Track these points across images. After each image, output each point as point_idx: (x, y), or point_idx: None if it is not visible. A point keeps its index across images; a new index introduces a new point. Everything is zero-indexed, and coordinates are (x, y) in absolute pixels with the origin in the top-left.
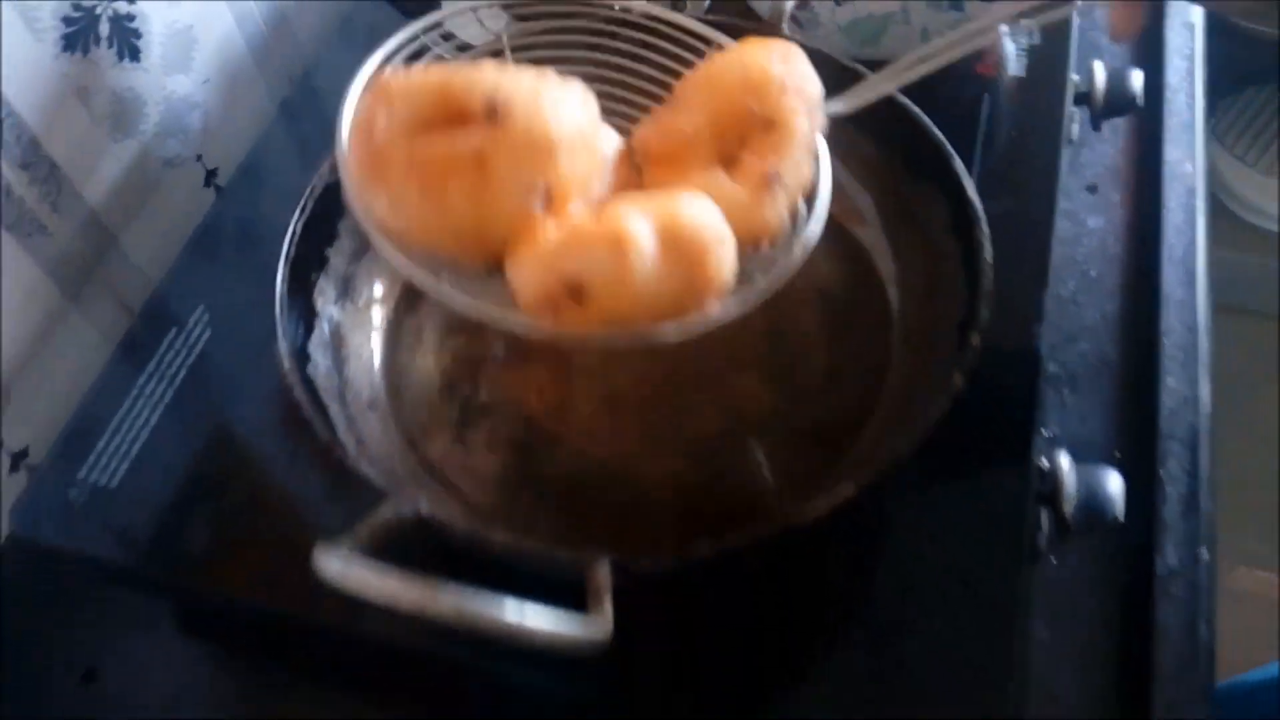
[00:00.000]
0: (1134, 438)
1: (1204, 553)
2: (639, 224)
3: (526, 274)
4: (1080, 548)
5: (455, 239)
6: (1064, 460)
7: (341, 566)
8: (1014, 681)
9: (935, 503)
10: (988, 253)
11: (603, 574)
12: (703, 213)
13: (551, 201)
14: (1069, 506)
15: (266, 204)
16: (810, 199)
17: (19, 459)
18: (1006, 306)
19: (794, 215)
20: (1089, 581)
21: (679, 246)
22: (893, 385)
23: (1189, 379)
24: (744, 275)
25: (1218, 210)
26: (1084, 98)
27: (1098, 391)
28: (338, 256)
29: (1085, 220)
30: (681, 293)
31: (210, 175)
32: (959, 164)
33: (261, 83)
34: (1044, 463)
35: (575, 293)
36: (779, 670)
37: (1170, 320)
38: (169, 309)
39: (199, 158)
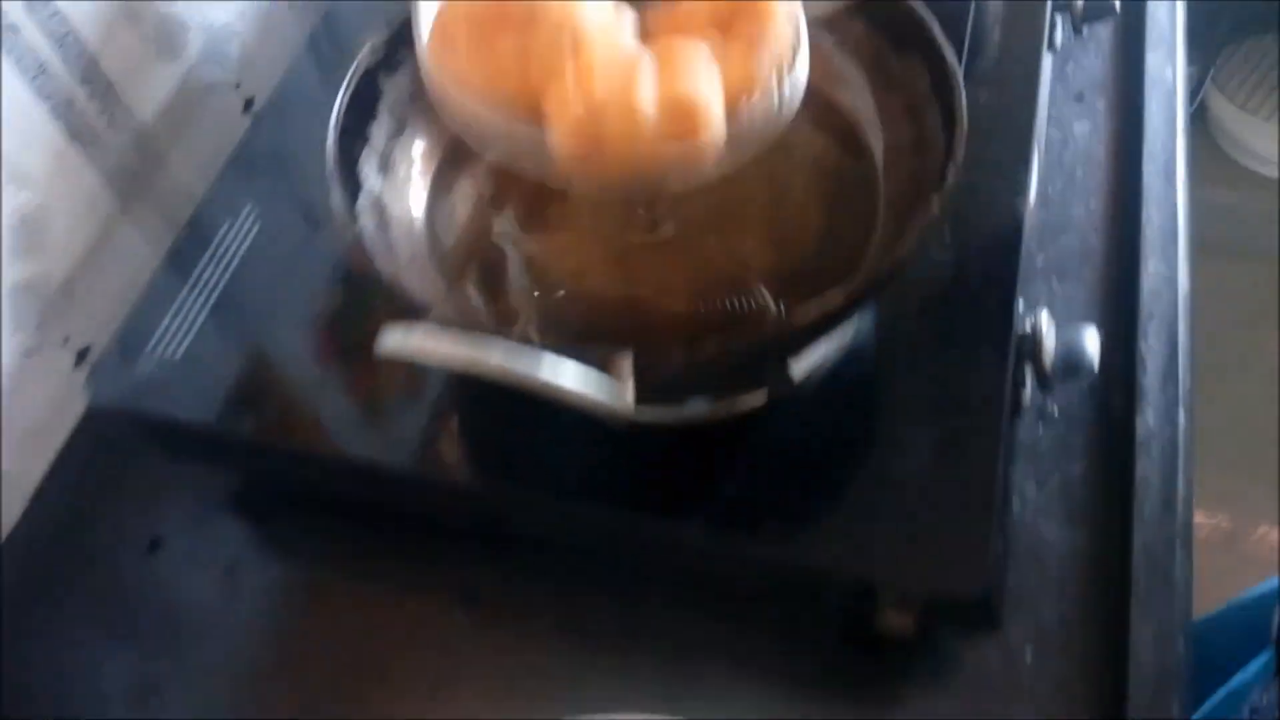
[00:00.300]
0: (1118, 317)
1: (1182, 417)
2: (646, 75)
3: (557, 106)
4: (1065, 416)
5: (504, 89)
6: (1044, 317)
7: (401, 336)
8: (999, 520)
9: (924, 362)
10: (962, 104)
11: (625, 364)
12: (696, 75)
13: (579, 52)
14: (1048, 360)
15: (299, 129)
16: (793, 61)
17: (82, 355)
18: (992, 185)
19: (779, 76)
20: (1073, 447)
21: (676, 106)
22: (880, 243)
23: (1169, 262)
24: (737, 136)
25: (1220, 158)
26: (1065, 5)
27: (1083, 279)
28: (379, 134)
29: (1072, 126)
30: (681, 151)
31: (248, 104)
32: (938, 33)
33: (291, 16)
34: (1026, 326)
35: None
36: (776, 512)
37: (1150, 211)
38: (216, 211)
39: (237, 85)
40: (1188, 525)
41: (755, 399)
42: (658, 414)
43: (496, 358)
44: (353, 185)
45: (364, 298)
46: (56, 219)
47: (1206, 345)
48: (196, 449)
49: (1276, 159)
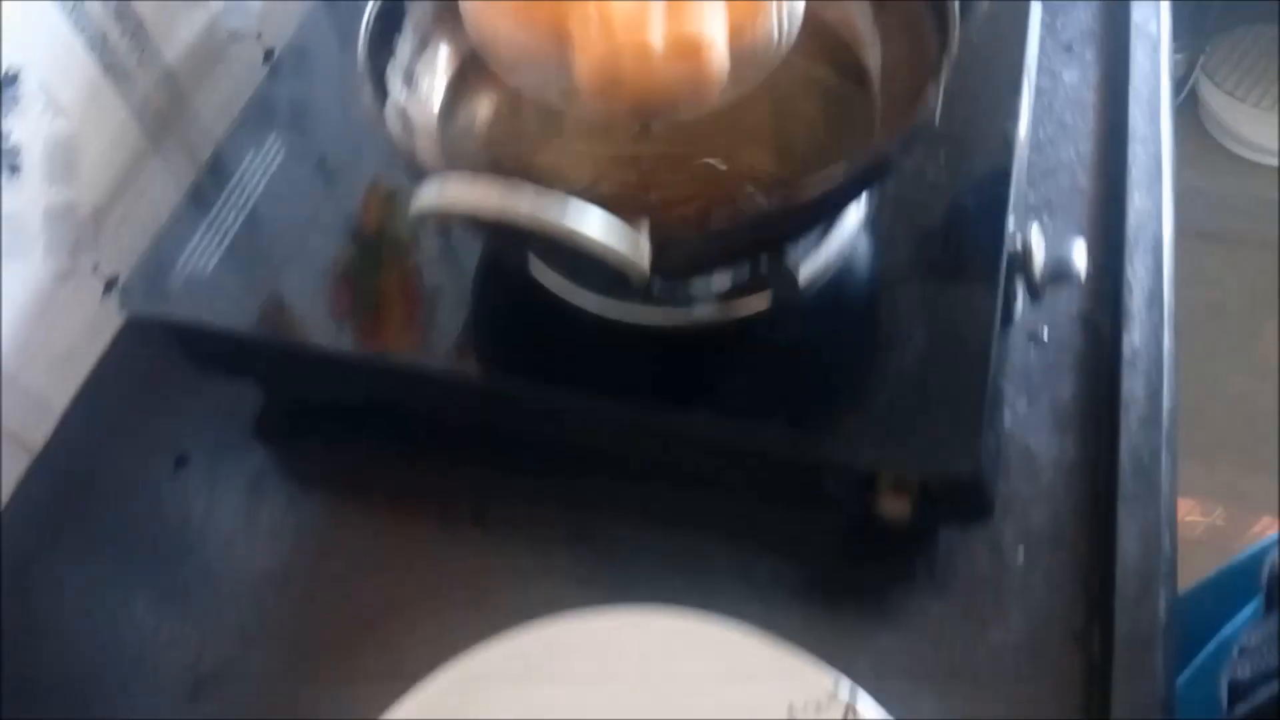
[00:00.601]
0: (1105, 247)
1: (1166, 337)
2: (657, 16)
3: (581, 44)
4: (1055, 341)
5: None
6: (1034, 231)
7: (436, 189)
8: (990, 408)
9: (920, 273)
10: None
11: (643, 226)
12: (702, 13)
13: None
14: (1038, 269)
15: (318, 71)
16: None
17: (110, 285)
18: (985, 114)
19: (779, 7)
20: (1063, 368)
21: (685, 44)
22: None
23: (1153, 196)
24: (740, 66)
25: (1211, 145)
26: None
27: (1072, 215)
28: (404, 49)
29: (1061, 75)
30: (690, 84)
31: (268, 54)
32: None
33: None
34: (1017, 244)
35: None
36: (781, 404)
37: (1135, 149)
38: (244, 138)
39: (259, 35)
40: (1172, 435)
41: (759, 302)
42: (666, 317)
43: (526, 204)
44: (380, 92)
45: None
46: (88, 149)
47: (1199, 332)
48: (224, 357)
49: (1267, 146)
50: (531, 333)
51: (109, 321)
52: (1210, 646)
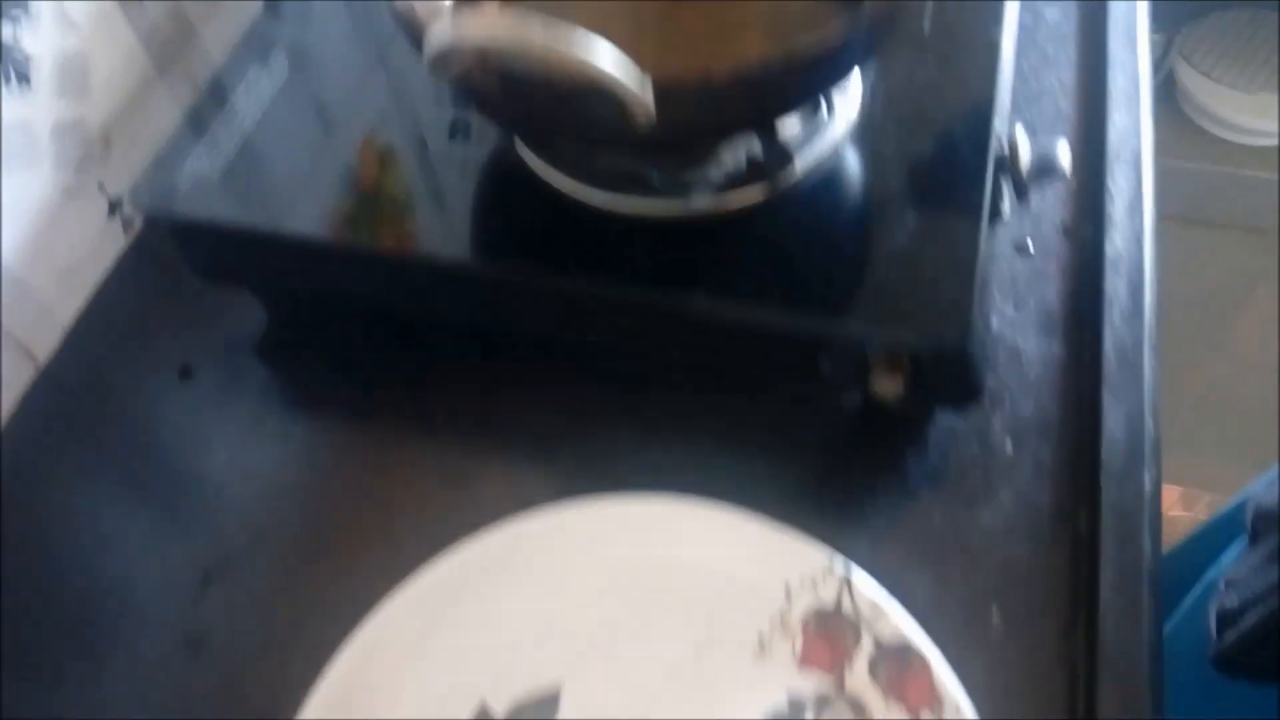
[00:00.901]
0: (1087, 164)
1: (1147, 240)
2: None
3: None
4: (1041, 252)
5: None
6: (1019, 130)
7: (449, 25)
8: (980, 285)
9: (910, 169)
10: None
11: (647, 81)
12: None
13: None
14: (1024, 165)
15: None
16: None
17: (115, 206)
18: (971, 23)
19: None
20: (1048, 275)
21: None
22: None
23: (1132, 114)
24: None
25: (1189, 127)
26: None
27: (1055, 135)
28: None
29: (1044, 13)
30: None
31: None
32: None
33: None
34: (1004, 147)
35: None
36: (776, 284)
37: (1115, 74)
38: (250, 54)
39: None
40: (1155, 330)
41: (754, 194)
42: (665, 208)
43: (539, 34)
44: None
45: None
46: (98, 68)
47: (1174, 318)
48: (227, 264)
49: (1246, 126)
50: (535, 227)
51: (114, 242)
52: (1196, 591)
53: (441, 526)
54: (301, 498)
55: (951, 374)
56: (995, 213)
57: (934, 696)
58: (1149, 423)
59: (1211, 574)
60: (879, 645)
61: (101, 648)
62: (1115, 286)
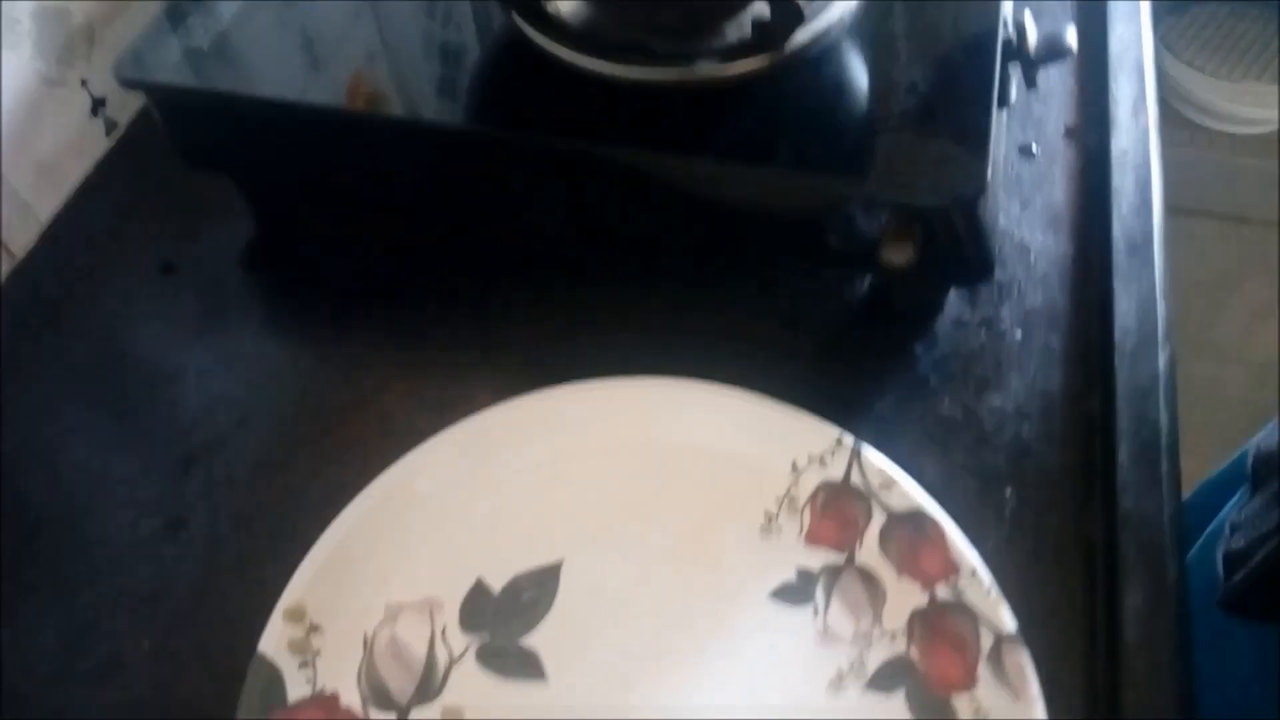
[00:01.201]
0: (1091, 72)
1: (1152, 139)
2: None
3: None
4: (1047, 155)
5: None
6: (1027, 15)
7: None
8: (991, 144)
9: (918, 37)
10: None
11: None
12: None
13: None
14: (1032, 45)
15: None
16: None
17: (98, 105)
18: None
19: None
20: (1053, 177)
21: None
22: None
23: (1133, 28)
24: None
25: (1170, 115)
26: None
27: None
28: None
29: None
30: None
31: None
32: None
33: None
34: (1011, 31)
35: None
36: (782, 146)
37: None
38: None
39: None
40: (1164, 225)
41: (758, 61)
42: (669, 74)
43: None
44: None
45: None
46: None
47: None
48: (215, 142)
49: (1229, 114)
50: (537, 97)
51: (96, 143)
52: (1201, 539)
53: (434, 414)
54: (287, 383)
55: (963, 243)
56: (1004, 99)
57: (949, 564)
58: (1161, 306)
59: (1214, 525)
60: (890, 515)
61: (84, 529)
62: (1122, 181)
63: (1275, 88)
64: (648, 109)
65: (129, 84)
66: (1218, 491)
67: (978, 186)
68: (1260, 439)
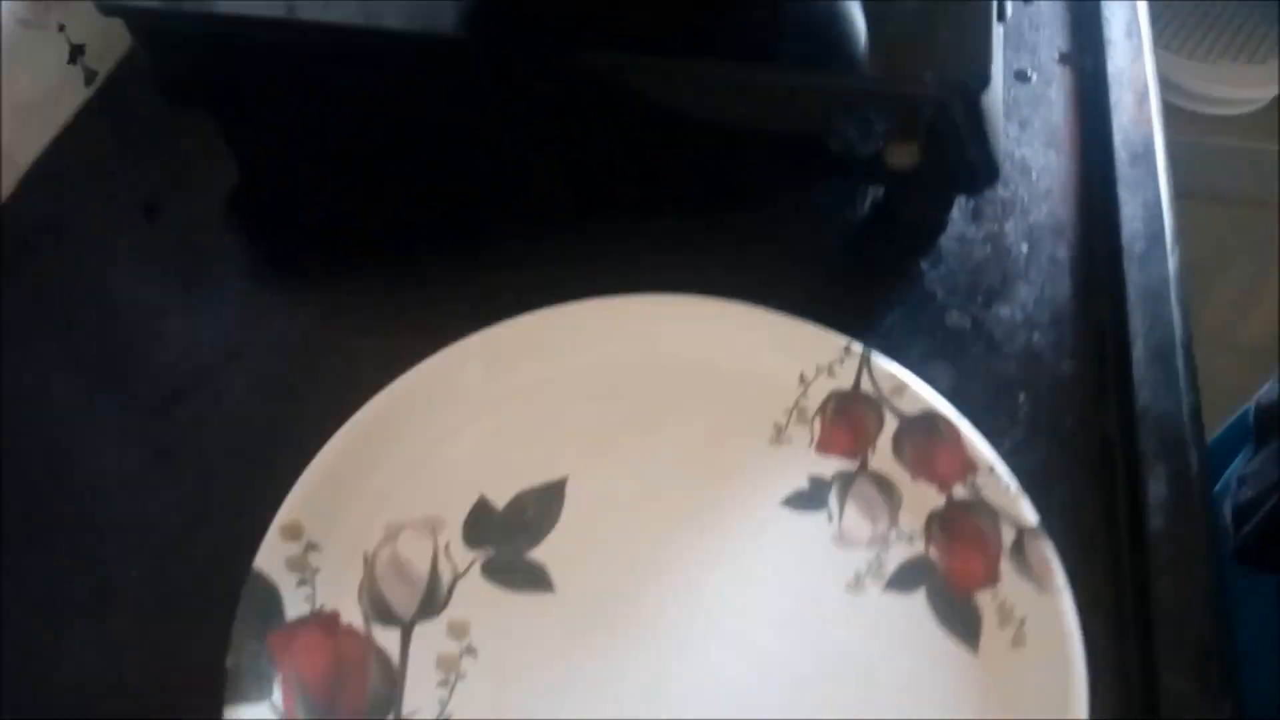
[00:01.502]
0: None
1: (1147, 60)
2: None
3: None
4: (1043, 79)
5: None
6: None
7: None
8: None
9: None
10: None
11: None
12: None
13: None
14: None
15: None
16: None
17: (76, 53)
18: None
19: None
20: (1051, 99)
21: None
22: None
23: None
24: None
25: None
26: None
27: None
28: None
29: None
30: None
31: None
32: None
33: None
34: None
35: None
36: (783, 46)
37: None
38: None
39: None
40: (1164, 136)
41: None
42: None
43: None
44: None
45: None
46: None
47: None
48: (198, 73)
49: (1213, 96)
50: (530, 2)
51: (75, 92)
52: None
53: (424, 351)
54: (273, 321)
55: (967, 143)
56: (1001, 12)
57: (966, 462)
58: (1167, 211)
59: (1220, 483)
60: (903, 419)
61: (70, 463)
62: (1120, 96)
63: (1250, 68)
64: (645, 12)
65: (109, 10)
66: (1215, 456)
67: (982, 77)
68: (1261, 394)
